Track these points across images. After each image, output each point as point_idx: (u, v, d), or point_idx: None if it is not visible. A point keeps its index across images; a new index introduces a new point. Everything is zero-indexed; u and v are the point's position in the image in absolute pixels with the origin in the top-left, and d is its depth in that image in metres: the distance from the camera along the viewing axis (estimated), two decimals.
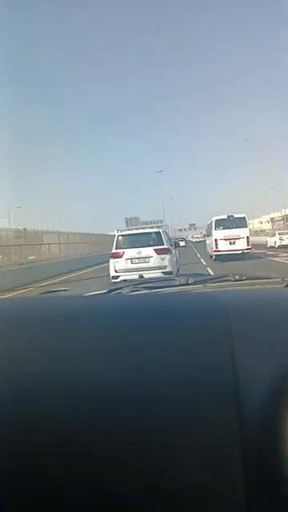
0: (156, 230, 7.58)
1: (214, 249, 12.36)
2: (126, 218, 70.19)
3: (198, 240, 62.49)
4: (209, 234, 15.27)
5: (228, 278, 0.95)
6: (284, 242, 18.89)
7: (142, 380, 0.40)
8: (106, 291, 0.91)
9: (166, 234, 7.67)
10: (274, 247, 18.58)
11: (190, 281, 0.95)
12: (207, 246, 17.11)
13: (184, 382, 0.39)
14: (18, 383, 0.42)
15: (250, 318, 0.46)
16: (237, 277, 0.95)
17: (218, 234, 12.42)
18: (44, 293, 1.09)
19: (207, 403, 0.37)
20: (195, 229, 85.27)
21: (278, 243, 18.92)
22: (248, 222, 13.03)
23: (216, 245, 12.30)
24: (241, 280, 0.93)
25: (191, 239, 64.31)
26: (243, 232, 12.24)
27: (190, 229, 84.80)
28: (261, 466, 0.34)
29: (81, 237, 20.91)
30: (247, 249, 12.06)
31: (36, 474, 0.37)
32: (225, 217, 12.69)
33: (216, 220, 12.79)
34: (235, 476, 0.34)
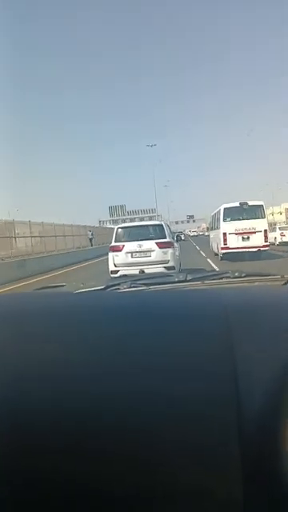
0: (158, 222, 8.25)
1: (222, 245, 11.61)
2: (109, 207, 69.32)
3: (195, 234, 67.73)
4: (214, 227, 14.59)
5: (227, 274, 1.08)
6: (285, 239, 18.22)
7: (139, 377, 0.46)
8: (103, 287, 1.01)
9: (168, 226, 8.22)
10: (273, 244, 17.50)
11: (189, 277, 1.05)
12: (211, 241, 16.40)
13: (182, 379, 0.44)
14: (13, 379, 0.47)
15: (249, 316, 0.53)
16: (236, 274, 1.06)
17: (228, 226, 11.62)
18: (40, 288, 1.26)
19: (206, 400, 0.43)
20: (194, 221, 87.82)
21: (278, 239, 18.37)
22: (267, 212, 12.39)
23: (224, 240, 11.54)
24: (240, 277, 1.05)
25: (189, 233, 65.96)
26: (260, 224, 11.43)
27: (187, 221, 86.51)
28: (259, 464, 0.39)
29: (59, 229, 20.53)
30: (264, 246, 11.31)
31: (33, 473, 0.42)
32: (236, 204, 11.89)
33: (225, 209, 11.96)
34: (233, 475, 0.39)
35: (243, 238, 11.45)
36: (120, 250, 7.32)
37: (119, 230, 7.78)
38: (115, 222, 66.12)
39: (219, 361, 0.46)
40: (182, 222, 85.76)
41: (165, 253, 7.23)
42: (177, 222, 78.29)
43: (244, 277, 1.08)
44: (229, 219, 11.78)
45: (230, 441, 0.40)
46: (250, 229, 11.41)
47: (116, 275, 7.01)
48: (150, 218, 58.90)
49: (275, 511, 0.38)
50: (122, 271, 7.02)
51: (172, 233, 8.82)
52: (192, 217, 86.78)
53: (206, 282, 1.04)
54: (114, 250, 7.41)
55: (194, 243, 26.67)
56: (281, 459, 0.38)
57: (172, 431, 0.42)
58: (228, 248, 11.53)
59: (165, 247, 7.27)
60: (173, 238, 8.10)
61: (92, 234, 24.59)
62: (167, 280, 1.14)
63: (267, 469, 0.39)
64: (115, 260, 7.35)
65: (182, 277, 1.10)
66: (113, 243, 7.54)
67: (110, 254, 7.45)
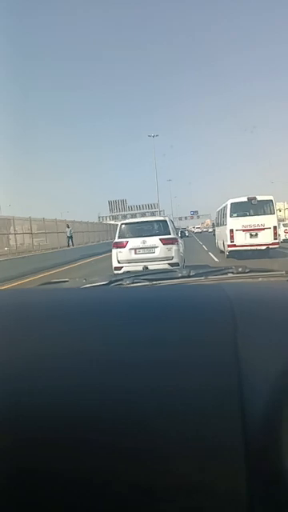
0: (162, 218, 8.44)
1: (229, 243, 11.46)
2: (109, 202, 68.77)
3: (199, 230, 69.12)
4: (220, 223, 14.41)
5: (231, 270, 1.10)
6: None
7: (143, 370, 0.47)
8: (106, 282, 1.05)
9: (172, 222, 8.39)
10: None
11: (192, 273, 1.10)
12: (217, 238, 16.24)
13: (186, 373, 0.46)
14: (15, 376, 0.49)
15: (254, 310, 0.55)
16: (240, 269, 1.10)
17: (235, 222, 11.46)
18: (43, 284, 1.24)
19: (209, 398, 0.44)
20: (198, 217, 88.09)
21: (282, 236, 17.89)
22: (277, 208, 12.16)
23: (231, 237, 11.38)
24: (244, 272, 1.08)
25: (192, 229, 66.34)
26: (269, 220, 11.26)
27: (191, 217, 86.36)
28: (263, 459, 0.40)
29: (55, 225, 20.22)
30: (274, 243, 11.15)
31: (31, 467, 0.44)
32: (244, 199, 11.70)
33: (232, 204, 11.78)
34: (236, 469, 0.40)
35: (251, 235, 11.27)
36: (124, 247, 7.54)
37: (123, 226, 8.00)
38: (115, 217, 65.76)
39: (224, 354, 0.47)
40: (186, 217, 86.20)
41: (169, 249, 7.45)
42: (180, 218, 78.62)
43: (248, 272, 1.11)
44: (236, 215, 11.58)
45: (233, 434, 0.41)
46: (258, 225, 11.23)
47: (119, 272, 7.12)
48: (152, 214, 58.81)
49: (280, 509, 0.39)
50: (126, 268, 7.19)
51: (176, 229, 9.04)
52: (196, 212, 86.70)
53: (209, 277, 1.08)
54: (117, 247, 7.64)
55: (198, 240, 26.95)
56: (286, 454, 0.39)
57: (174, 428, 0.43)
58: (235, 246, 11.36)
59: (169, 243, 7.48)
60: (177, 234, 8.32)
61: (71, 232, 20.91)
62: (170, 276, 1.18)
63: (272, 464, 0.40)
64: (119, 256, 7.57)
65: (185, 272, 1.14)
66: (116, 239, 7.78)
67: (114, 251, 7.69)
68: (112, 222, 45.25)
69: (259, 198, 11.61)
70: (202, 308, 0.59)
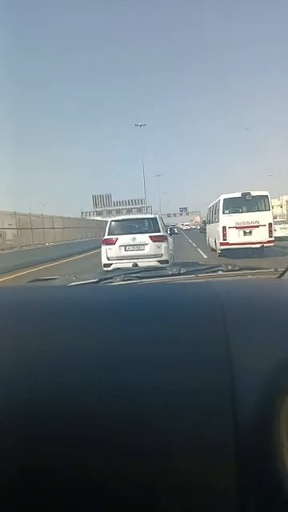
0: (152, 215, 8.94)
1: (221, 241, 11.42)
2: (93, 196, 68.25)
3: (187, 228, 70.75)
4: (212, 220, 14.43)
5: (220, 268, 1.20)
6: (277, 233, 18.31)
7: (134, 369, 0.50)
8: (96, 280, 1.11)
9: (162, 220, 8.87)
10: None
11: (182, 271, 1.17)
12: (208, 235, 16.25)
13: (178, 371, 0.49)
14: (15, 374, 0.52)
15: (244, 309, 0.58)
16: (229, 267, 1.19)
17: (228, 219, 11.41)
18: (32, 281, 1.41)
19: (202, 395, 0.47)
20: (187, 214, 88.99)
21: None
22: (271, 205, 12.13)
23: (224, 235, 11.34)
24: (233, 270, 1.16)
25: (181, 226, 67.03)
26: (264, 217, 11.26)
27: (180, 214, 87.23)
28: (256, 460, 0.43)
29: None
30: (269, 241, 11.14)
31: (33, 464, 0.47)
32: (238, 195, 11.69)
33: (225, 199, 11.72)
34: (230, 471, 0.43)
35: (245, 233, 11.26)
36: (113, 243, 7.93)
37: (113, 222, 8.45)
38: (99, 213, 65.23)
39: (215, 352, 0.50)
40: (175, 214, 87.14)
41: (158, 246, 7.88)
42: (169, 215, 79.15)
43: (237, 270, 1.19)
44: (229, 211, 11.54)
45: (224, 431, 0.44)
46: (252, 222, 11.21)
47: (109, 268, 7.58)
48: (139, 210, 58.67)
49: (271, 503, 0.42)
50: (115, 264, 7.61)
51: (165, 226, 9.59)
52: (185, 209, 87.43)
53: (199, 275, 1.15)
54: (107, 243, 8.02)
55: (187, 237, 27.33)
56: (278, 458, 0.41)
57: (170, 422, 0.45)
58: (227, 244, 11.33)
59: (158, 241, 7.92)
60: (166, 232, 8.81)
61: None
62: (161, 273, 1.26)
63: (263, 460, 0.42)
64: (108, 253, 7.94)
65: (175, 270, 1.21)
66: (106, 236, 8.18)
67: (103, 247, 8.05)
68: (97, 218, 44.88)
69: (254, 193, 11.62)
70: (193, 306, 0.62)
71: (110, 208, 67.16)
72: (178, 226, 65.66)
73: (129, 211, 63.27)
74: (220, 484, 0.43)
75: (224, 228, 11.37)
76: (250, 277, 1.18)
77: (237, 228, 11.26)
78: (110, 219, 9.06)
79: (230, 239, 11.30)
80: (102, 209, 67.82)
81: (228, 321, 0.54)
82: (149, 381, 0.49)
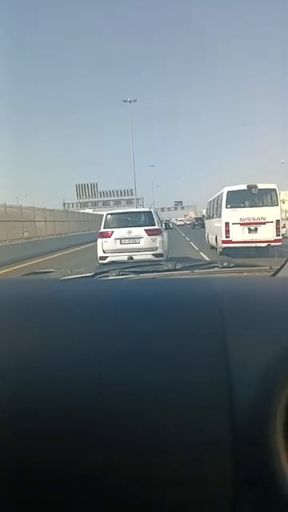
0: (147, 209, 10.08)
1: (224, 238, 11.47)
2: (77, 186, 67.48)
3: (181, 223, 74.09)
4: (213, 215, 14.49)
5: (216, 264, 1.31)
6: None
7: (134, 365, 0.54)
8: (91, 274, 1.20)
9: (157, 214, 9.86)
10: None
11: (178, 266, 1.28)
12: (208, 231, 16.34)
13: (175, 368, 0.53)
14: (13, 367, 0.57)
15: (240, 306, 0.63)
16: (225, 263, 1.30)
17: (231, 214, 11.45)
18: (27, 274, 1.54)
19: (198, 390, 0.51)
20: (182, 208, 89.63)
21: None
22: (281, 199, 12.26)
23: (226, 232, 11.38)
24: (229, 267, 1.28)
25: (175, 222, 67.75)
26: (272, 213, 11.27)
27: (175, 208, 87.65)
28: (252, 454, 0.47)
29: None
30: (276, 240, 11.15)
31: (30, 460, 0.51)
32: (243, 187, 11.70)
33: (229, 192, 11.75)
34: (226, 466, 0.47)
35: (250, 230, 11.31)
36: (109, 236, 8.83)
37: (108, 216, 9.45)
38: (84, 204, 64.43)
39: (212, 346, 0.54)
40: (169, 208, 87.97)
41: (153, 240, 8.75)
42: (163, 209, 79.75)
43: (233, 267, 1.29)
44: (233, 206, 11.56)
45: (221, 425, 0.48)
46: (258, 218, 11.24)
47: (104, 261, 8.45)
48: (129, 202, 58.21)
49: (267, 498, 0.46)
50: (111, 257, 8.42)
51: (161, 220, 10.50)
52: (180, 203, 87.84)
53: (195, 271, 1.27)
54: (102, 236, 8.93)
55: (181, 231, 28.38)
56: (273, 455, 0.45)
57: (167, 417, 0.50)
58: (230, 241, 11.36)
59: (153, 234, 8.79)
60: (161, 226, 9.77)
61: None
62: (156, 269, 1.37)
63: (259, 454, 0.46)
64: (104, 246, 8.83)
65: (170, 266, 1.31)
66: (102, 229, 9.11)
67: (99, 240, 8.96)
68: (80, 211, 44.23)
69: (260, 186, 11.62)
70: (190, 302, 0.67)
71: (96, 199, 66.32)
72: (172, 221, 66.21)
73: (117, 203, 62.70)
74: (216, 479, 0.47)
75: (227, 224, 11.39)
76: (245, 274, 1.28)
77: (241, 224, 11.29)
78: (105, 212, 9.97)
79: (233, 236, 11.32)
80: (86, 200, 66.99)
81: (224, 316, 0.59)
82: (144, 375, 0.53)
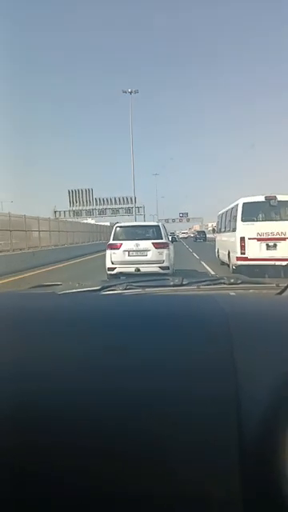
0: (155, 223, 11.56)
1: (238, 254, 11.43)
2: (69, 192, 67.35)
3: (184, 236, 78.39)
4: (225, 229, 14.59)
5: (223, 280, 1.42)
6: None
7: (140, 379, 0.60)
8: (98, 288, 1.31)
9: (165, 228, 11.24)
10: None
11: (185, 282, 1.39)
12: (218, 246, 16.49)
13: (183, 384, 0.59)
14: (16, 377, 0.63)
15: (247, 323, 0.70)
16: (232, 280, 1.40)
17: (248, 228, 11.45)
18: (35, 286, 1.64)
19: (206, 407, 0.56)
20: (188, 220, 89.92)
21: None
22: None
23: (242, 247, 11.37)
24: (236, 283, 1.38)
25: (178, 234, 68.67)
26: None
27: (180, 220, 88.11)
28: (259, 471, 0.51)
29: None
30: None
31: (34, 469, 0.56)
32: (261, 199, 11.69)
33: (245, 204, 11.75)
34: (233, 482, 0.51)
35: (268, 246, 11.29)
36: (118, 248, 10.06)
37: (118, 228, 10.81)
38: (77, 213, 63.88)
39: (220, 364, 0.60)
40: (174, 220, 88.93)
41: (160, 253, 9.96)
42: (167, 221, 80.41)
43: (239, 283, 1.39)
44: (249, 219, 11.57)
45: (229, 442, 0.53)
46: (278, 233, 11.23)
47: (113, 272, 9.91)
48: (128, 211, 57.77)
49: None
50: (119, 269, 9.80)
51: (168, 234, 11.72)
52: (186, 215, 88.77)
53: (201, 287, 1.36)
54: (111, 248, 10.17)
55: (186, 245, 29.76)
56: (281, 468, 0.49)
57: (171, 435, 0.55)
58: (246, 259, 11.29)
59: (161, 247, 10.02)
60: (168, 239, 11.09)
61: None
62: (163, 283, 1.50)
63: (267, 471, 0.50)
64: (112, 257, 10.07)
65: (177, 281, 1.42)
66: (111, 241, 10.39)
67: (108, 252, 10.23)
68: (74, 220, 43.46)
69: (280, 197, 11.57)
70: (197, 319, 0.74)
71: (91, 207, 65.64)
72: (176, 233, 67.15)
73: (115, 212, 62.73)
74: (223, 496, 0.51)
75: (242, 239, 11.37)
76: (251, 291, 1.40)
77: (258, 240, 11.30)
78: (115, 225, 11.33)
79: (249, 253, 11.29)
80: (80, 208, 66.51)
81: (231, 333, 0.65)
82: (148, 390, 0.58)
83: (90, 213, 65.26)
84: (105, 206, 65.20)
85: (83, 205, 66.36)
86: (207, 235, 54.72)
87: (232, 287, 1.36)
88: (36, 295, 1.30)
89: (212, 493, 0.51)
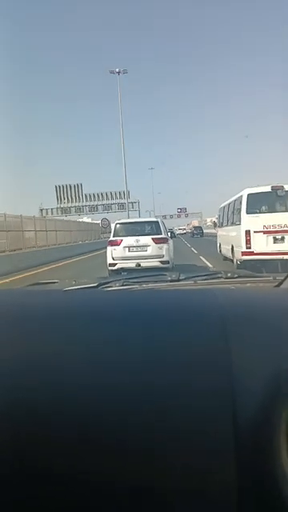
0: (154, 219, 12.47)
1: (244, 249, 11.43)
2: (57, 187, 66.72)
3: (182, 232, 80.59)
4: (227, 222, 14.68)
5: (220, 275, 1.53)
6: None
7: (137, 373, 0.64)
8: (95, 285, 1.41)
9: (163, 223, 12.16)
10: None
11: (182, 277, 1.49)
12: (220, 241, 16.57)
13: (177, 378, 0.62)
14: (14, 373, 0.67)
15: (244, 317, 0.74)
16: (229, 274, 1.51)
17: (253, 221, 11.40)
18: (32, 284, 1.74)
19: (201, 399, 0.60)
20: (186, 215, 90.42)
21: None
22: None
23: (247, 241, 11.36)
24: (233, 277, 1.49)
25: (176, 230, 70.05)
26: None
27: (178, 216, 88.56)
28: (255, 463, 0.55)
29: None
30: None
31: (33, 465, 0.60)
32: (267, 189, 11.63)
33: (250, 195, 11.72)
34: (229, 473, 0.56)
35: (275, 239, 11.26)
36: (118, 245, 10.96)
37: (118, 225, 11.78)
38: (66, 210, 63.06)
39: (215, 356, 0.64)
40: (171, 216, 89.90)
41: (160, 248, 10.82)
42: (164, 217, 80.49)
43: (236, 277, 1.50)
44: (254, 211, 11.55)
45: (225, 434, 0.57)
46: (286, 226, 11.18)
47: (114, 268, 10.85)
48: (121, 206, 57.30)
49: (269, 506, 0.54)
50: (120, 264, 10.76)
51: (167, 229, 12.59)
52: (184, 210, 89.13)
53: (198, 281, 1.45)
54: (112, 244, 11.10)
55: (184, 240, 30.77)
56: (276, 463, 0.54)
57: (168, 424, 0.59)
58: (252, 253, 11.31)
59: (160, 243, 10.88)
60: (167, 235, 11.90)
61: None
62: (160, 279, 1.59)
63: (262, 463, 0.54)
64: (113, 254, 10.97)
65: (174, 276, 1.52)
66: (111, 238, 11.34)
67: (109, 248, 11.14)
68: (62, 218, 43.05)
69: None
70: (193, 312, 0.79)
71: (81, 204, 64.61)
72: (174, 229, 68.10)
73: (107, 208, 62.23)
74: (220, 485, 0.56)
75: (247, 232, 11.37)
76: (249, 284, 1.48)
77: (264, 233, 11.27)
78: (115, 222, 12.36)
79: (255, 247, 11.27)
80: (68, 205, 65.67)
81: (227, 326, 0.70)
82: (146, 383, 0.63)
83: (79, 210, 64.64)
84: (96, 203, 64.56)
85: (72, 201, 65.58)
86: (205, 230, 59.43)
87: (229, 281, 1.46)
88: (34, 292, 1.38)
89: (211, 483, 0.56)
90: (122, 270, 10.45)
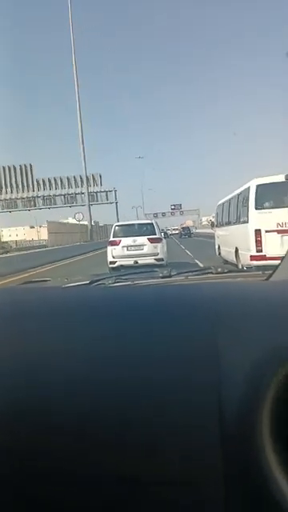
0: (150, 221, 16.91)
1: (253, 252, 11.25)
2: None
3: (176, 232, 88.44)
4: (228, 221, 14.77)
5: (210, 270, 1.90)
6: None
7: (124, 370, 0.77)
8: (87, 282, 1.74)
9: (158, 225, 16.43)
10: None
11: (173, 273, 1.89)
12: (220, 242, 17.08)
13: (166, 372, 0.75)
14: (10, 372, 0.80)
15: (232, 309, 0.90)
16: (219, 269, 1.88)
17: (264, 218, 11.16)
18: (24, 283, 2.13)
19: (189, 393, 0.72)
20: (181, 213, 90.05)
21: None
22: None
23: (258, 242, 11.18)
24: (223, 273, 1.86)
25: (168, 230, 73.58)
26: None
27: (172, 214, 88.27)
28: (240, 454, 0.65)
29: None
30: None
31: (32, 459, 0.72)
32: (280, 179, 11.24)
33: (259, 187, 11.41)
34: (215, 469, 0.66)
35: None
36: (117, 244, 15.19)
37: (116, 227, 16.07)
38: (12, 204, 56.57)
39: (203, 350, 0.78)
40: (164, 214, 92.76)
41: (155, 247, 14.94)
42: (156, 215, 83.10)
43: (227, 273, 1.87)
44: (265, 206, 11.34)
45: (211, 426, 0.69)
46: None
47: (114, 265, 14.98)
48: (93, 198, 48.34)
49: (254, 500, 0.64)
50: (119, 262, 14.85)
51: (161, 230, 16.94)
52: (179, 207, 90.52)
53: (189, 277, 1.81)
54: (112, 244, 15.33)
55: (176, 240, 33.44)
56: (261, 455, 0.64)
57: (159, 418, 0.71)
58: (264, 257, 11.03)
59: (155, 242, 15.03)
60: (161, 235, 16.07)
61: None
62: (152, 275, 1.96)
63: (247, 454, 0.65)
64: (113, 252, 15.19)
65: (166, 272, 1.88)
66: (111, 238, 15.56)
67: (109, 248, 15.42)
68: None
69: None
70: (183, 307, 0.97)
71: (33, 194, 57.59)
72: (166, 229, 71.06)
73: (71, 199, 56.24)
74: (207, 477, 0.67)
75: (258, 232, 11.20)
76: (239, 279, 1.85)
77: (279, 232, 11.03)
78: (114, 224, 16.87)
79: (267, 250, 11.04)
80: (15, 196, 57.60)
81: (216, 319, 0.85)
82: (145, 379, 0.76)
83: (30, 202, 57.72)
84: (55, 193, 57.01)
85: (18, 191, 58.22)
86: (201, 230, 73.91)
87: (219, 276, 1.83)
88: (27, 290, 1.61)
89: (197, 475, 0.68)
90: (122, 267, 14.47)
